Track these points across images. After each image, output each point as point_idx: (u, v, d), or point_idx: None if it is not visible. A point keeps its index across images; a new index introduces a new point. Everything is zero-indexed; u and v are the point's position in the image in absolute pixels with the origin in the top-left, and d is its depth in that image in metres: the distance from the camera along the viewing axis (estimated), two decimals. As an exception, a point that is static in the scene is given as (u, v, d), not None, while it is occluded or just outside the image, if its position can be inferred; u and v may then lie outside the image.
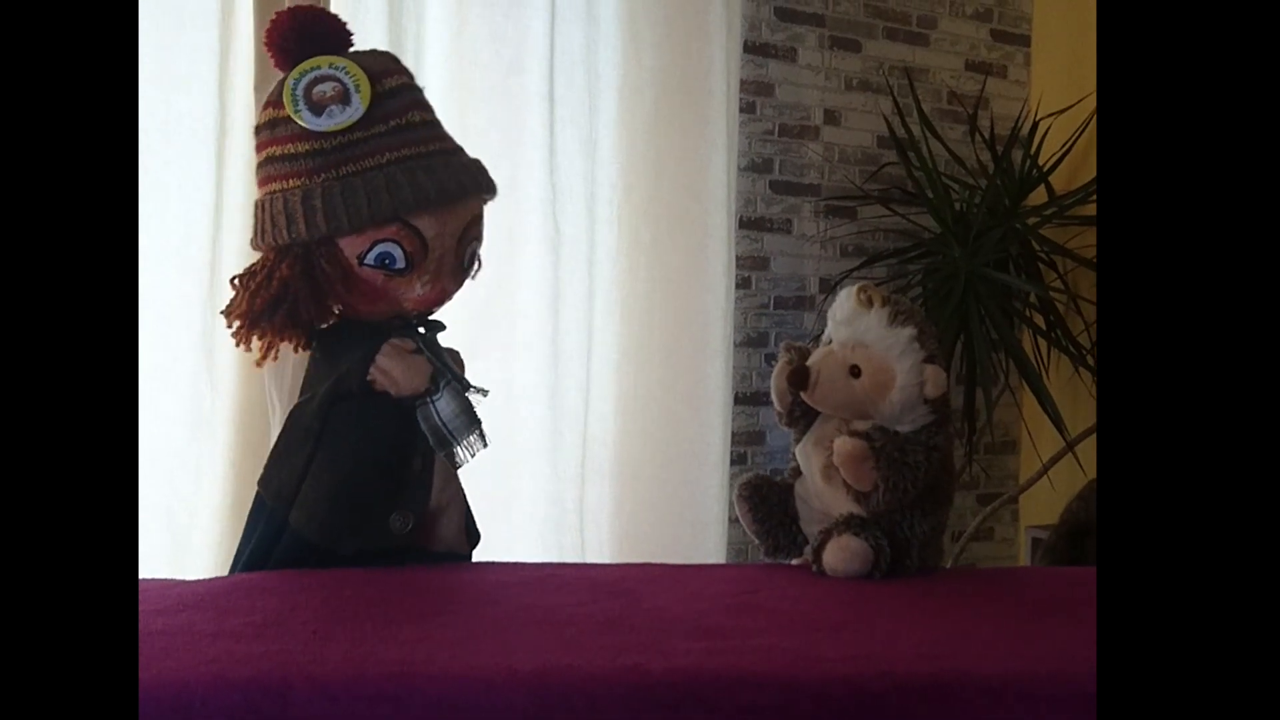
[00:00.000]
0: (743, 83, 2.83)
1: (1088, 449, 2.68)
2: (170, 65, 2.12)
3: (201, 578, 1.20)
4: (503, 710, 0.83)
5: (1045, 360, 2.88)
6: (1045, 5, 3.29)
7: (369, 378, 1.24)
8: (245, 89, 2.13)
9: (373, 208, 1.20)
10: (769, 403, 2.94)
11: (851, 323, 1.29)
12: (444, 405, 1.26)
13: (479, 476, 1.40)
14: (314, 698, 0.83)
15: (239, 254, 2.08)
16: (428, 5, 2.40)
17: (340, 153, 1.21)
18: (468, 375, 1.33)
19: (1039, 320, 2.89)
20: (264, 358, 1.27)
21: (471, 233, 1.29)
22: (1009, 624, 1.07)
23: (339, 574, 1.17)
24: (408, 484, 1.27)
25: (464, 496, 1.35)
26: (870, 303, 1.28)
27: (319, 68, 1.22)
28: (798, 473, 1.36)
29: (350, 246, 1.22)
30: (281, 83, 1.24)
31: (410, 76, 1.30)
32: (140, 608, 0.96)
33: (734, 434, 2.78)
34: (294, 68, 1.24)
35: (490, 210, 1.33)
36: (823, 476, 1.29)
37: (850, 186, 3.00)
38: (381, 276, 1.23)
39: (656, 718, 0.84)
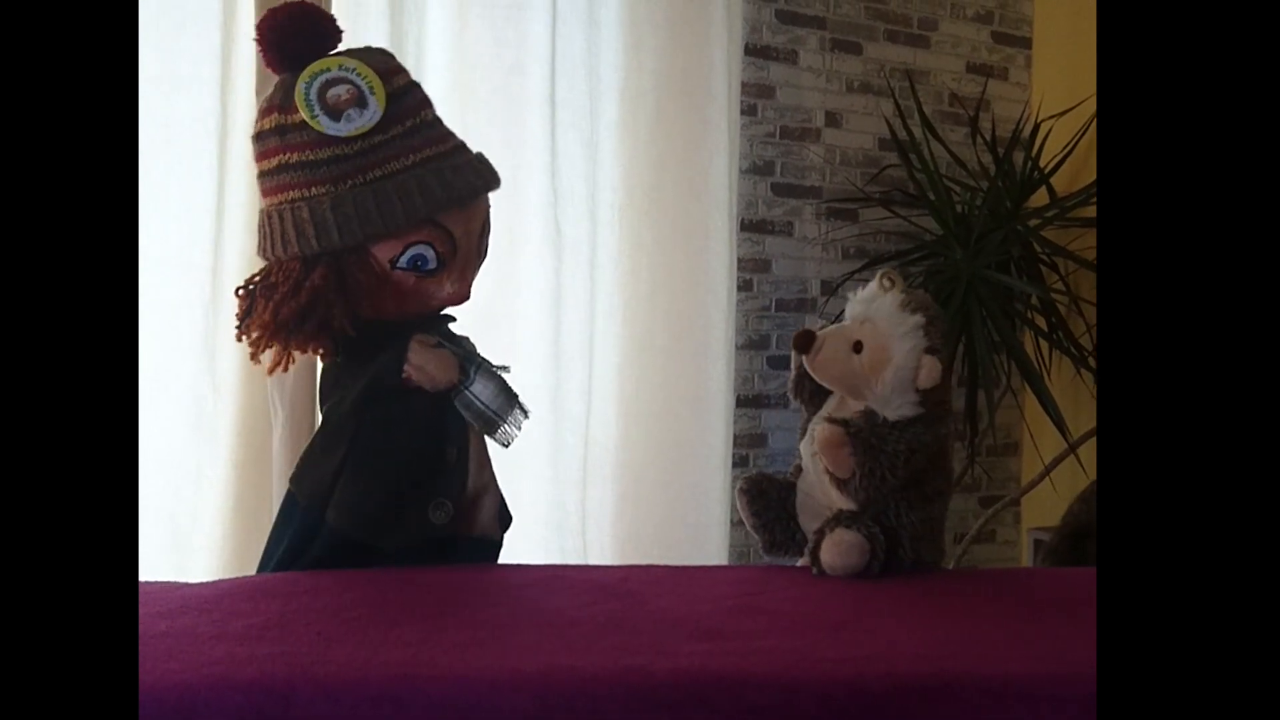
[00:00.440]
0: (744, 85, 2.83)
1: (1089, 451, 2.67)
2: (172, 67, 2.12)
3: (203, 580, 1.20)
4: (505, 711, 0.83)
5: (1047, 362, 2.88)
6: (1046, 7, 3.29)
7: (404, 375, 1.24)
8: (247, 91, 2.12)
9: (406, 211, 1.20)
10: (771, 405, 2.98)
11: (868, 302, 1.33)
12: (481, 389, 1.26)
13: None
14: (317, 699, 0.83)
15: (241, 257, 2.08)
16: (429, 8, 2.40)
17: (364, 157, 1.20)
18: None
19: (1041, 322, 2.89)
20: (275, 367, 1.26)
21: (486, 226, 1.31)
22: (1010, 625, 1.07)
23: (340, 575, 1.17)
24: (444, 474, 1.28)
25: (496, 481, 1.35)
26: (890, 285, 1.32)
27: (328, 70, 1.20)
28: (799, 472, 1.37)
29: (383, 251, 1.21)
30: (284, 87, 1.22)
31: (408, 72, 1.30)
32: (142, 610, 0.96)
33: (736, 436, 2.77)
34: (289, 67, 1.22)
35: (491, 213, 1.33)
36: (815, 465, 1.31)
37: (852, 189, 3.00)
38: (414, 278, 1.24)
39: (658, 719, 0.84)
